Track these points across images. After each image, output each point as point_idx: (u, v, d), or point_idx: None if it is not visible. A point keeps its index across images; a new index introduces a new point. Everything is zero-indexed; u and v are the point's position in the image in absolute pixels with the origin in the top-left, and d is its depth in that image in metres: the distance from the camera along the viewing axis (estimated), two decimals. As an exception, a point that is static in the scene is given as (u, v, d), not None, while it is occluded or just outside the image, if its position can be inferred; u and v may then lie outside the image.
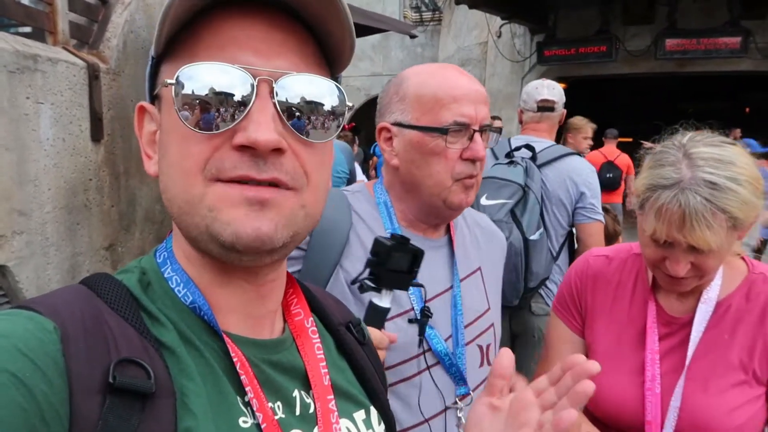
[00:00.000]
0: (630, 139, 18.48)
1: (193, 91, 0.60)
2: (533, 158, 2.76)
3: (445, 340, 1.36)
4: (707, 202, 1.16)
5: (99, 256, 3.45)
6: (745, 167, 1.22)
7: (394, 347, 1.24)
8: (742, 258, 1.41)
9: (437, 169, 1.32)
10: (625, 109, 17.43)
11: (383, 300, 1.14)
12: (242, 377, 0.64)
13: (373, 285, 1.14)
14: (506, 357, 0.80)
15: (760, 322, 1.30)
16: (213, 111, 0.60)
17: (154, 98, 0.69)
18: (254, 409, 0.64)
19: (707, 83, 13.76)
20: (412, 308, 1.32)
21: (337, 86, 0.67)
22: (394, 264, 1.13)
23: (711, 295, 1.35)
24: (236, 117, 0.61)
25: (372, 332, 1.08)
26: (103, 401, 0.54)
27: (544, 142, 2.92)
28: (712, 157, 1.21)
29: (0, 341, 0.53)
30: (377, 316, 1.14)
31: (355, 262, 1.31)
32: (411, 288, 1.31)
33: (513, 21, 11.91)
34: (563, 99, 3.12)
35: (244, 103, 0.61)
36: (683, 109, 16.85)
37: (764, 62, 10.78)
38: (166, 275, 0.68)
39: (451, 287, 1.41)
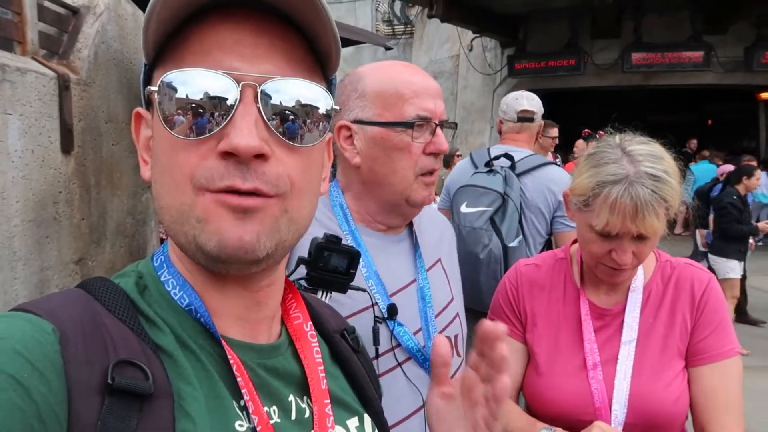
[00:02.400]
0: (599, 151, 18.72)
1: (176, 98, 0.60)
2: (512, 167, 2.80)
3: (414, 334, 1.35)
4: (653, 193, 1.30)
5: (69, 270, 3.37)
6: (671, 161, 1.38)
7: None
8: None
9: (402, 165, 1.32)
10: (594, 122, 17.78)
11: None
12: (239, 380, 0.64)
13: (306, 286, 1.10)
14: (442, 345, 0.81)
15: (675, 303, 1.45)
16: (198, 117, 0.60)
17: (149, 104, 0.69)
18: (250, 412, 0.64)
19: (672, 96, 14.15)
20: (374, 304, 1.30)
21: (324, 90, 0.67)
22: (328, 264, 1.09)
23: (638, 284, 1.48)
24: (220, 123, 0.60)
25: None
26: (101, 402, 0.54)
27: (522, 152, 2.97)
28: (647, 152, 1.36)
29: None
30: None
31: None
32: (373, 285, 1.30)
33: (484, 35, 12.10)
34: (542, 110, 3.19)
35: (228, 108, 0.60)
36: (650, 121, 17.29)
37: (726, 75, 11.14)
38: (162, 279, 0.68)
39: (415, 280, 1.40)
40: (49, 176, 3.16)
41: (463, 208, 2.60)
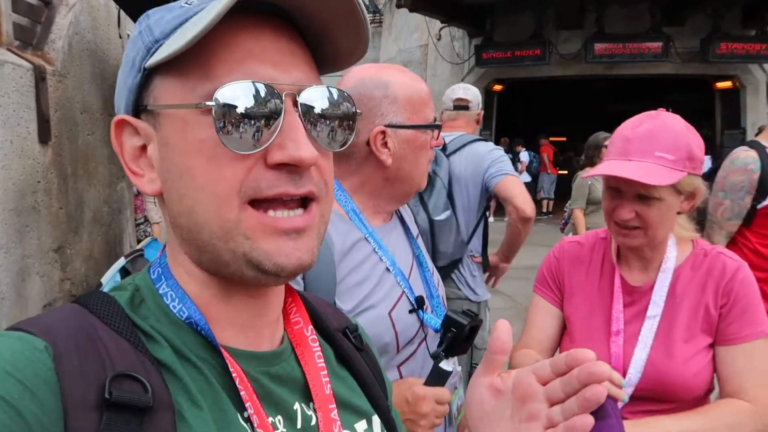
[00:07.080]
0: (564, 138, 19.06)
1: (230, 112, 0.58)
2: (443, 148, 3.06)
3: (421, 296, 1.48)
4: None
5: (48, 258, 3.43)
6: None
7: (402, 335, 1.40)
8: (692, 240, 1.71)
9: (422, 161, 1.49)
10: (559, 111, 18.15)
11: (449, 364, 1.31)
12: (241, 393, 0.63)
13: (446, 355, 1.32)
14: (504, 330, 0.70)
15: (702, 290, 1.57)
16: (247, 130, 0.59)
17: (140, 111, 0.66)
18: (254, 425, 0.62)
19: (633, 85, 14.52)
20: (402, 293, 1.43)
21: (347, 95, 0.68)
22: (466, 338, 1.33)
23: (669, 265, 1.61)
24: (269, 135, 0.60)
25: (437, 390, 1.29)
26: (99, 418, 0.53)
27: (453, 134, 3.26)
28: None
29: None
30: (442, 378, 1.31)
31: (350, 289, 1.37)
32: (401, 280, 1.45)
33: (452, 24, 12.25)
34: (478, 99, 3.51)
35: (275, 119, 0.60)
36: (612, 110, 17.72)
37: (683, 66, 11.55)
38: (161, 291, 0.66)
39: (414, 253, 1.57)
40: (27, 166, 3.21)
41: None
